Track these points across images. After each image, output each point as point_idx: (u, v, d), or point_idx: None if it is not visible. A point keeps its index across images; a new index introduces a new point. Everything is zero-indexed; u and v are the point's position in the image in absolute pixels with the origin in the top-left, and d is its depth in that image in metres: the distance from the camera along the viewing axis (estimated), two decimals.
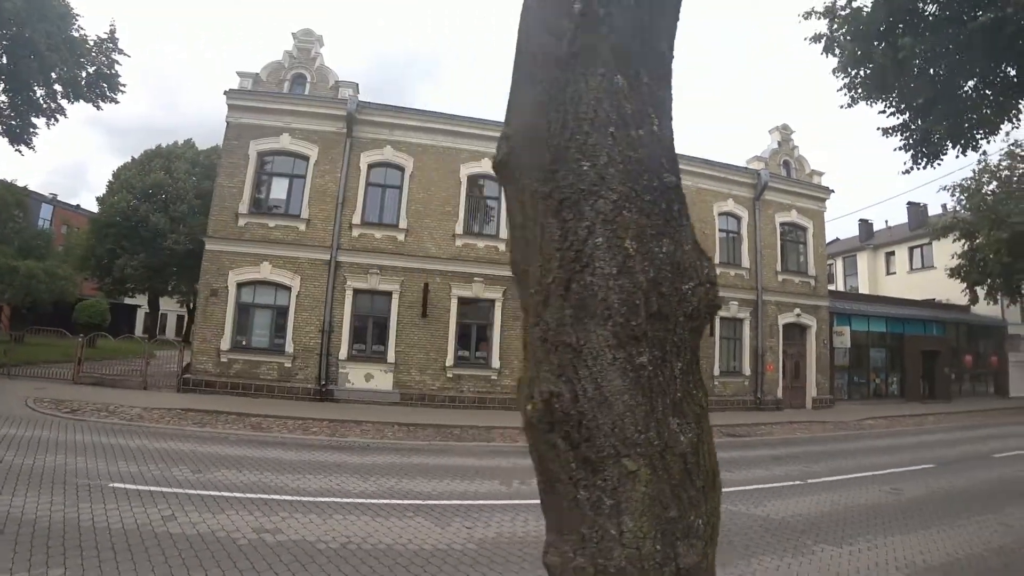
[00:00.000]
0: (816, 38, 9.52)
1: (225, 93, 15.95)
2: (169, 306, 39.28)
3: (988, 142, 9.41)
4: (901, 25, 8.10)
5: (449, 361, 15.95)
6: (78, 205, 40.51)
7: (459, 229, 16.48)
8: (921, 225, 28.67)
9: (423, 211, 16.32)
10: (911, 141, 9.46)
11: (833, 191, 21.00)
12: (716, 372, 18.64)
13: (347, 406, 14.57)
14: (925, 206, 29.43)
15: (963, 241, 21.37)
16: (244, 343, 15.39)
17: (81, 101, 16.99)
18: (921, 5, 8.11)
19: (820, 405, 19.90)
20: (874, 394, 22.59)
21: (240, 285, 15.38)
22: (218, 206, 15.68)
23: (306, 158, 15.99)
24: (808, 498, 8.16)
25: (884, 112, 9.42)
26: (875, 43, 8.46)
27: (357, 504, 6.85)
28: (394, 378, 15.62)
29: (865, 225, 32.32)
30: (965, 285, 22.37)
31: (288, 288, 15.44)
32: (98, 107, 17.37)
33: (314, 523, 6.00)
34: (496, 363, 16.31)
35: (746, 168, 20.19)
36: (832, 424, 17.00)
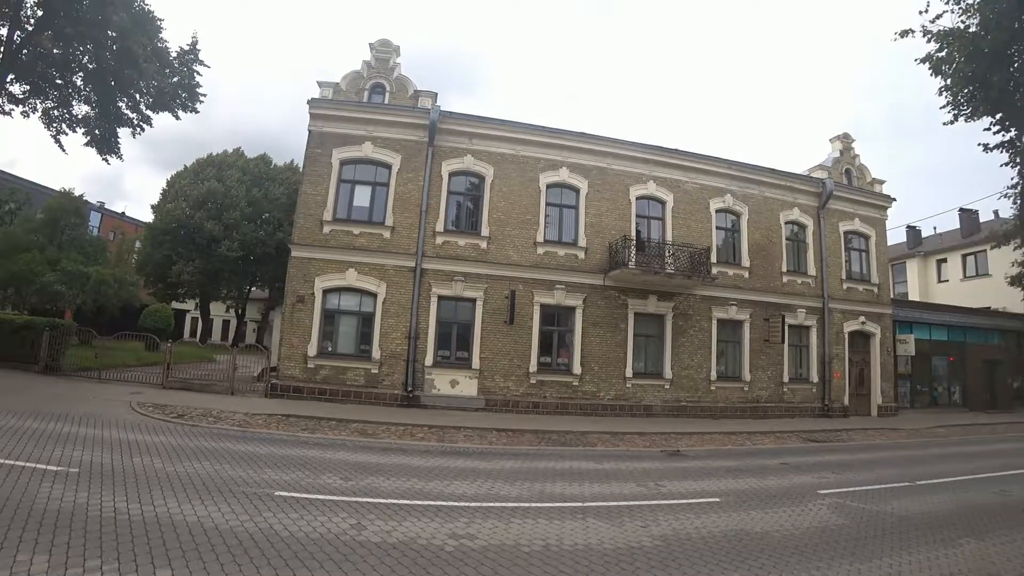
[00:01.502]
0: (926, 59, 9.74)
1: (308, 102, 16.26)
2: (216, 311, 39.66)
3: None
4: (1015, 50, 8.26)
5: (532, 367, 16.11)
6: (123, 212, 41.13)
7: (540, 237, 16.68)
8: (974, 232, 28.71)
9: (504, 219, 16.54)
10: (1019, 159, 9.61)
11: (895, 199, 21.11)
12: (785, 379, 18.76)
13: (435, 412, 14.71)
14: (977, 213, 29.48)
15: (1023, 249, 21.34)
16: (330, 349, 15.60)
17: (164, 112, 17.31)
18: None
19: (885, 413, 19.93)
20: (936, 403, 22.57)
21: (326, 292, 15.62)
22: (303, 213, 15.94)
23: (388, 166, 16.25)
24: (926, 498, 8.52)
25: (989, 129, 9.58)
26: (989, 65, 8.63)
27: (523, 508, 6.97)
28: (479, 384, 15.79)
29: (913, 232, 32.19)
30: None
31: (374, 295, 15.65)
32: (177, 117, 17.71)
33: (500, 528, 6.10)
34: (577, 369, 16.46)
35: (810, 177, 20.33)
36: (905, 432, 16.99)
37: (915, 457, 12.82)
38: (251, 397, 15.31)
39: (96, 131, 16.84)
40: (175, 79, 17.22)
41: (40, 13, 14.67)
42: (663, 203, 18.06)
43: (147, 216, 33.06)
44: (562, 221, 17.25)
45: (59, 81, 15.89)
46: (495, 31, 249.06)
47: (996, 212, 27.85)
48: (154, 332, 22.78)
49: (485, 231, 16.40)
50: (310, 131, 16.29)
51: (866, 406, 20.01)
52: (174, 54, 17.03)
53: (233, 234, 28.97)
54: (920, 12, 10.20)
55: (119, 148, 16.93)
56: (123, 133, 17.47)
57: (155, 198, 32.45)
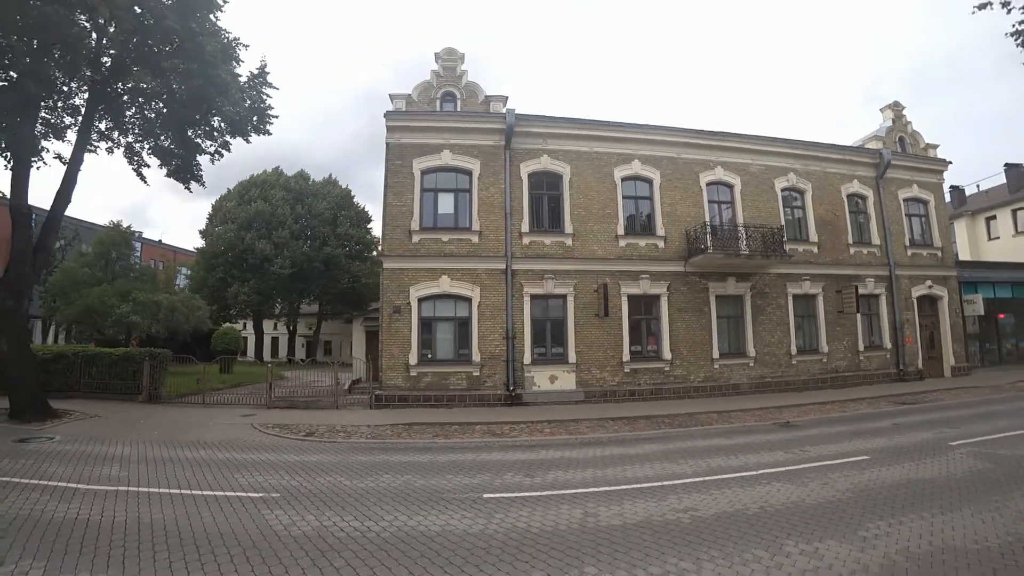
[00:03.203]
0: (1016, 34, 10.13)
1: (385, 115, 16.62)
2: (265, 329, 40.16)
3: None
4: None
5: (625, 356, 16.52)
6: (160, 240, 41.54)
7: (620, 230, 17.07)
8: (1022, 187, 28.87)
9: (585, 215, 16.90)
10: None
11: (951, 162, 21.39)
12: (861, 348, 19.14)
13: (541, 408, 15.10)
14: (1023, 167, 29.53)
15: None
16: (430, 356, 15.96)
17: (238, 136, 17.57)
18: None
19: (959, 373, 20.29)
20: (1005, 360, 22.93)
21: (421, 300, 15.97)
22: (390, 225, 16.28)
23: (468, 172, 16.61)
24: None
25: None
26: None
27: (711, 481, 7.48)
28: (576, 377, 16.19)
29: (957, 192, 32.30)
30: None
31: (468, 299, 16.02)
32: (248, 140, 17.94)
33: (709, 499, 6.60)
34: (667, 354, 16.87)
35: (867, 149, 20.64)
36: (988, 388, 17.34)
37: (1012, 410, 13.29)
38: (357, 410, 15.65)
39: (174, 161, 17.14)
40: (247, 103, 17.47)
41: (113, 51, 14.92)
42: (731, 187, 18.40)
43: (181, 242, 33.43)
44: (639, 212, 17.62)
45: (142, 114, 16.22)
46: (501, 29, 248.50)
47: None
48: (225, 354, 23.25)
49: (568, 228, 16.76)
50: (388, 144, 16.62)
51: (939, 368, 20.38)
52: (244, 78, 17.25)
53: (283, 252, 29.40)
54: None
55: (201, 175, 17.22)
56: (201, 161, 17.75)
57: (182, 224, 32.93)
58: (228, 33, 15.13)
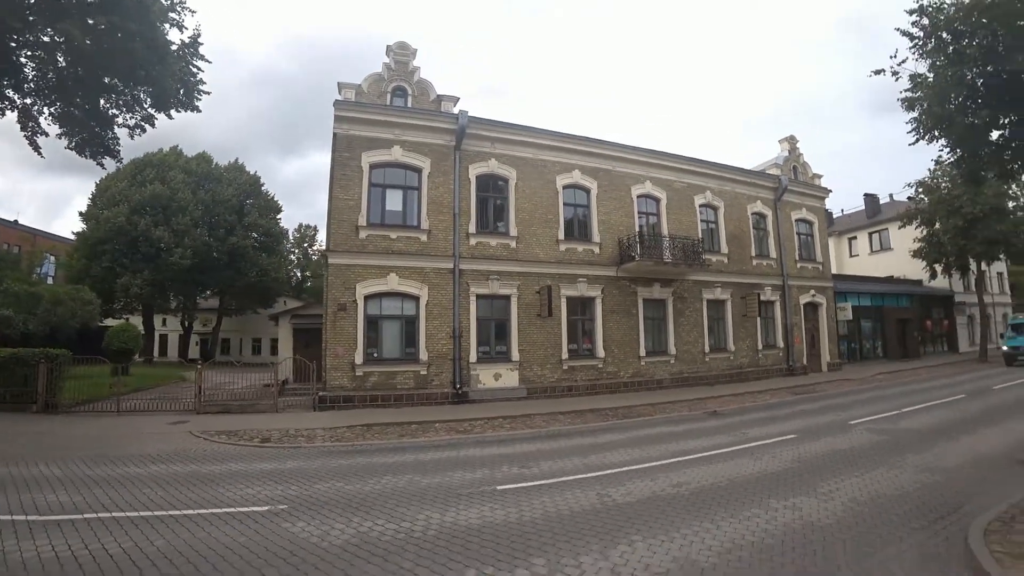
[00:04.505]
0: (904, 100, 12.26)
1: (334, 104, 15.98)
2: (156, 324, 35.93)
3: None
4: (972, 101, 10.84)
5: (564, 355, 17.34)
6: (16, 221, 35.43)
7: (561, 235, 17.86)
8: (877, 213, 34.13)
9: (529, 219, 17.49)
10: (963, 172, 12.58)
11: (831, 191, 24.84)
12: (760, 347, 21.63)
13: (487, 405, 15.40)
14: (878, 197, 35.02)
15: (923, 228, 26.16)
16: (376, 355, 15.65)
17: (162, 111, 16.10)
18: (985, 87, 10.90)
19: (833, 368, 23.63)
20: (865, 357, 26.95)
21: (367, 298, 15.61)
22: (336, 219, 15.73)
23: (419, 170, 16.50)
24: (917, 418, 11.78)
25: (943, 150, 12.31)
26: (950, 107, 11.18)
27: (681, 462, 8.45)
28: (519, 375, 16.72)
29: (826, 214, 37.36)
30: (925, 263, 27.34)
31: (416, 298, 15.93)
32: (170, 116, 16.50)
33: (688, 475, 7.59)
34: (601, 353, 17.97)
35: (768, 174, 23.34)
36: (857, 380, 20.50)
37: (883, 395, 16.07)
38: (300, 412, 14.87)
39: (82, 133, 15.32)
40: (177, 74, 16.02)
41: None
42: (658, 200, 19.98)
43: (42, 224, 29.21)
44: (578, 219, 18.56)
45: (43, 75, 14.32)
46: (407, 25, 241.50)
47: (891, 196, 33.34)
48: (124, 353, 20.93)
49: (513, 231, 17.25)
50: (336, 134, 16.05)
51: (818, 364, 23.57)
52: (175, 46, 15.80)
53: (183, 240, 26.67)
54: (891, 56, 12.50)
55: (118, 149, 15.49)
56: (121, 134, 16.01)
57: (38, 203, 28.79)
58: None
